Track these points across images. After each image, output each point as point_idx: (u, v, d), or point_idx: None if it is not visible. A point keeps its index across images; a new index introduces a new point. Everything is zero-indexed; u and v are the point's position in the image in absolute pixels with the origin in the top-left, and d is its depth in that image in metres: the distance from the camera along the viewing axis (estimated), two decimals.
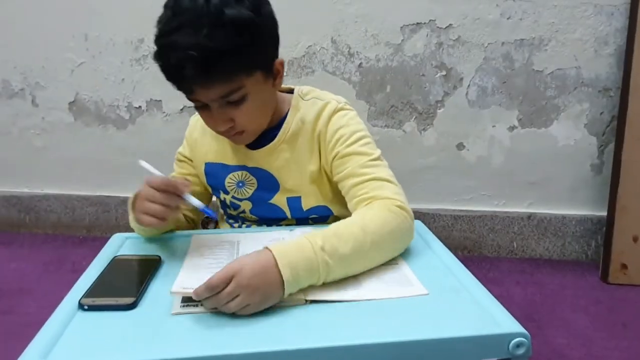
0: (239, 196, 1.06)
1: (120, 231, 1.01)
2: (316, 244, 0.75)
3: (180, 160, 1.12)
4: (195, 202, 0.85)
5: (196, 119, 1.10)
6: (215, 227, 1.18)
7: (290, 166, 1.02)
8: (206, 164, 1.07)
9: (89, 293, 0.74)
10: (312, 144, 1.01)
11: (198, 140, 1.08)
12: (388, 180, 0.94)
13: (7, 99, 2.11)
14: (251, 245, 0.88)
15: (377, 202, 0.90)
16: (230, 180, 1.05)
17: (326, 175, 1.03)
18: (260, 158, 1.03)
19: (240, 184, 1.05)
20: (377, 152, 0.99)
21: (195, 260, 0.85)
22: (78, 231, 2.21)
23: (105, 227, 2.18)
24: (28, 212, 2.22)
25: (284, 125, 1.01)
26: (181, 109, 2.00)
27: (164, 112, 2.02)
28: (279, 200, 1.04)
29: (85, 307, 0.71)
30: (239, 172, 1.05)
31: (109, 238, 0.98)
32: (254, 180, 1.04)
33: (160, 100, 2.00)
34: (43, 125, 2.12)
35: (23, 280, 1.78)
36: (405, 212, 0.88)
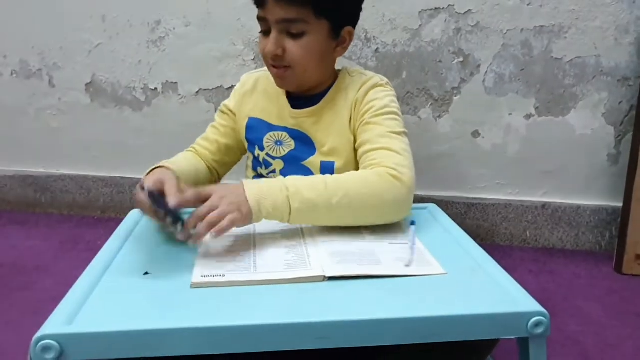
0: (274, 154, 1.10)
1: None
2: (283, 183, 0.85)
3: (223, 112, 1.19)
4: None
5: (249, 76, 1.18)
6: None
7: (330, 129, 1.07)
8: (250, 118, 1.13)
9: None
10: (348, 110, 1.06)
11: (247, 95, 1.15)
12: (398, 152, 0.95)
13: (24, 79, 2.12)
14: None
15: (375, 168, 0.92)
16: (269, 137, 1.11)
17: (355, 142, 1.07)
18: (302, 119, 1.08)
19: (278, 143, 1.10)
20: (401, 129, 1.01)
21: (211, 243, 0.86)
22: (93, 212, 2.23)
23: (119, 209, 2.19)
24: (44, 192, 2.24)
25: (329, 93, 1.08)
26: (197, 92, 2.00)
27: (180, 95, 2.02)
28: (313, 162, 1.08)
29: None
30: (280, 132, 1.10)
31: (123, 219, 0.99)
32: (292, 142, 1.09)
33: (176, 83, 2.00)
34: (60, 106, 2.14)
35: (39, 258, 1.80)
36: (398, 182, 0.89)
